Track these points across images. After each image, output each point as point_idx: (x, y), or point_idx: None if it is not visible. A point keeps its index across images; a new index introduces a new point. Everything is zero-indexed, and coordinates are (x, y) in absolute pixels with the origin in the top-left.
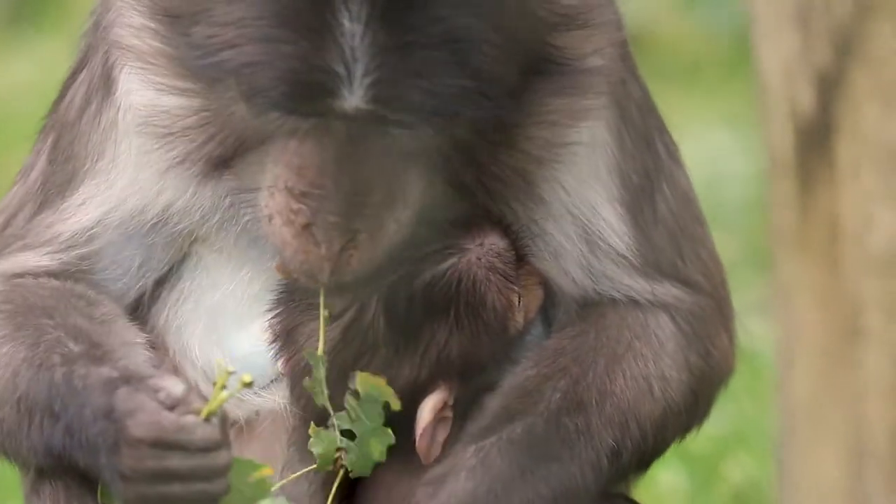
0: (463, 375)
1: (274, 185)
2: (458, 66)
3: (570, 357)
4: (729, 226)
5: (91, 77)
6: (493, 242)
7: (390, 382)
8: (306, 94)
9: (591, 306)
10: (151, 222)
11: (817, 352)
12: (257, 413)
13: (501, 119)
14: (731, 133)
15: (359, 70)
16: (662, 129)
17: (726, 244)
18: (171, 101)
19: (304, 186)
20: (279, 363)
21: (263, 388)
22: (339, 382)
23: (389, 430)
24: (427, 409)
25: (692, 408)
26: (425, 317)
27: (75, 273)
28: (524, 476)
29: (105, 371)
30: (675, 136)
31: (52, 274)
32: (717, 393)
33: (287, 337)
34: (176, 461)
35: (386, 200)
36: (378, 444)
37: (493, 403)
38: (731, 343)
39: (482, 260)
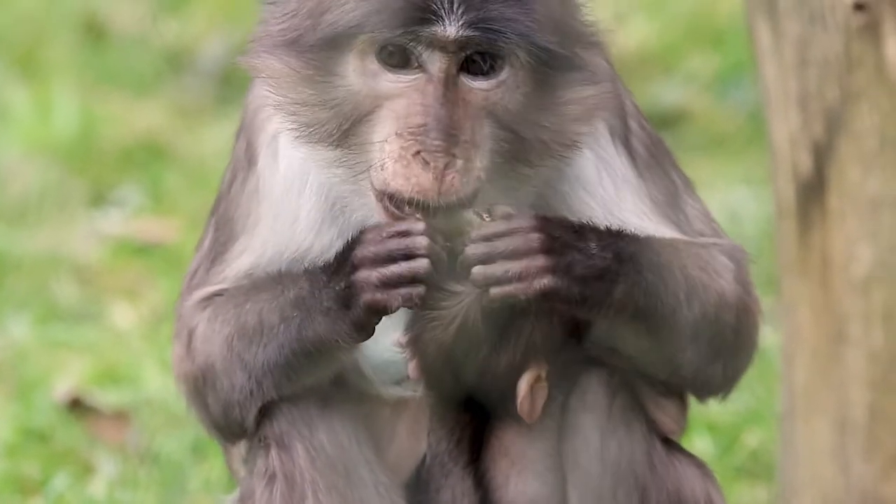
0: (548, 355)
1: (385, 138)
2: (524, 3)
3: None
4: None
5: (236, 160)
6: None
7: (493, 369)
8: (418, 25)
9: None
10: (290, 260)
11: (812, 351)
12: (403, 399)
13: (548, 72)
14: (748, 188)
15: (455, 4)
16: (675, 165)
17: None
18: (302, 95)
19: (411, 128)
20: (410, 367)
21: (402, 382)
22: (453, 376)
23: None
24: (523, 384)
25: (736, 327)
26: (512, 318)
27: None
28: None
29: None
30: (706, 191)
31: None
32: (752, 338)
33: (414, 345)
34: (392, 244)
35: (473, 137)
36: None
37: None
38: (758, 307)
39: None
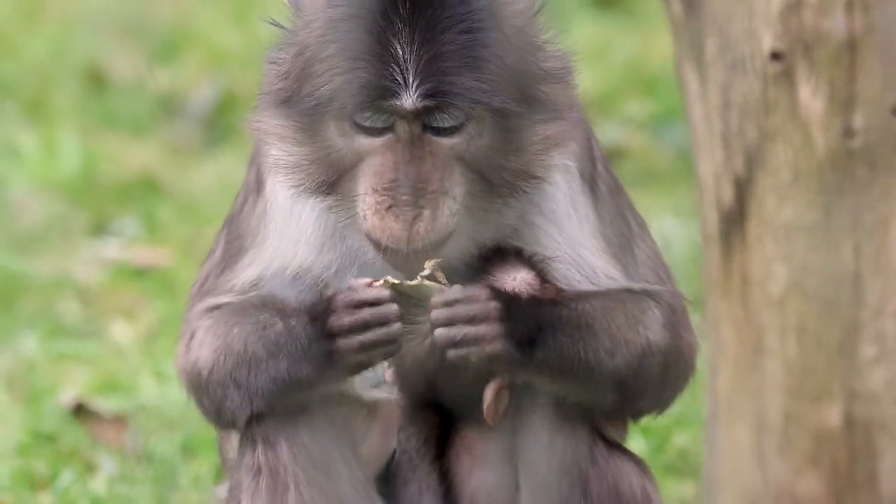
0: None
1: (365, 191)
2: (477, 70)
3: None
4: (675, 278)
5: (248, 185)
6: (524, 276)
7: (461, 378)
8: (378, 99)
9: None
10: (293, 275)
11: (733, 362)
12: (378, 401)
13: (509, 119)
14: (678, 217)
15: (410, 79)
16: (631, 207)
17: None
18: (294, 153)
19: (384, 184)
20: (387, 373)
21: (379, 386)
22: (426, 383)
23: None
24: (489, 392)
25: (663, 370)
26: None
27: None
28: None
29: (306, 314)
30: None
31: None
32: (684, 373)
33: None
34: (365, 313)
35: (440, 188)
36: None
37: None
38: (694, 344)
39: (515, 289)
